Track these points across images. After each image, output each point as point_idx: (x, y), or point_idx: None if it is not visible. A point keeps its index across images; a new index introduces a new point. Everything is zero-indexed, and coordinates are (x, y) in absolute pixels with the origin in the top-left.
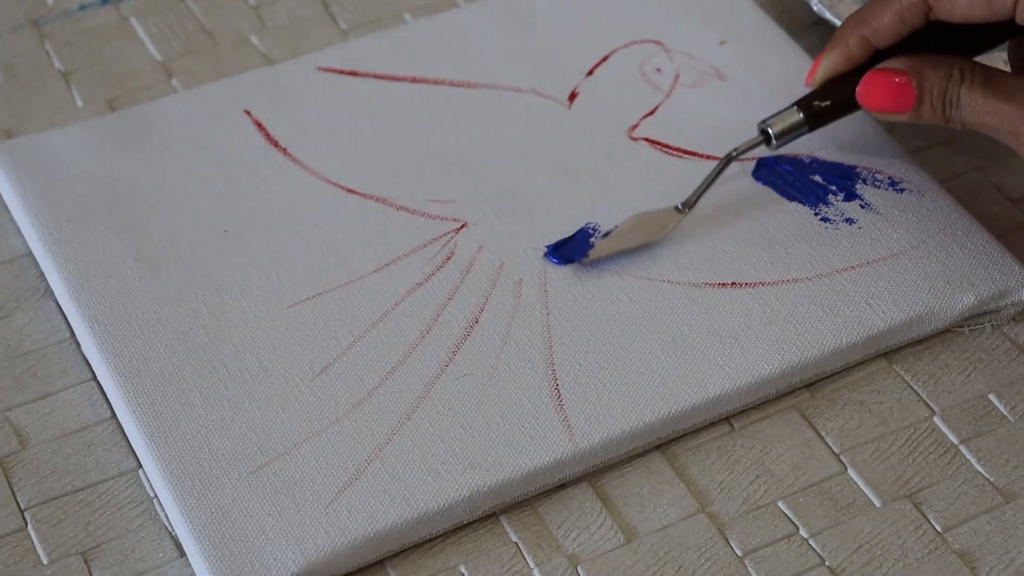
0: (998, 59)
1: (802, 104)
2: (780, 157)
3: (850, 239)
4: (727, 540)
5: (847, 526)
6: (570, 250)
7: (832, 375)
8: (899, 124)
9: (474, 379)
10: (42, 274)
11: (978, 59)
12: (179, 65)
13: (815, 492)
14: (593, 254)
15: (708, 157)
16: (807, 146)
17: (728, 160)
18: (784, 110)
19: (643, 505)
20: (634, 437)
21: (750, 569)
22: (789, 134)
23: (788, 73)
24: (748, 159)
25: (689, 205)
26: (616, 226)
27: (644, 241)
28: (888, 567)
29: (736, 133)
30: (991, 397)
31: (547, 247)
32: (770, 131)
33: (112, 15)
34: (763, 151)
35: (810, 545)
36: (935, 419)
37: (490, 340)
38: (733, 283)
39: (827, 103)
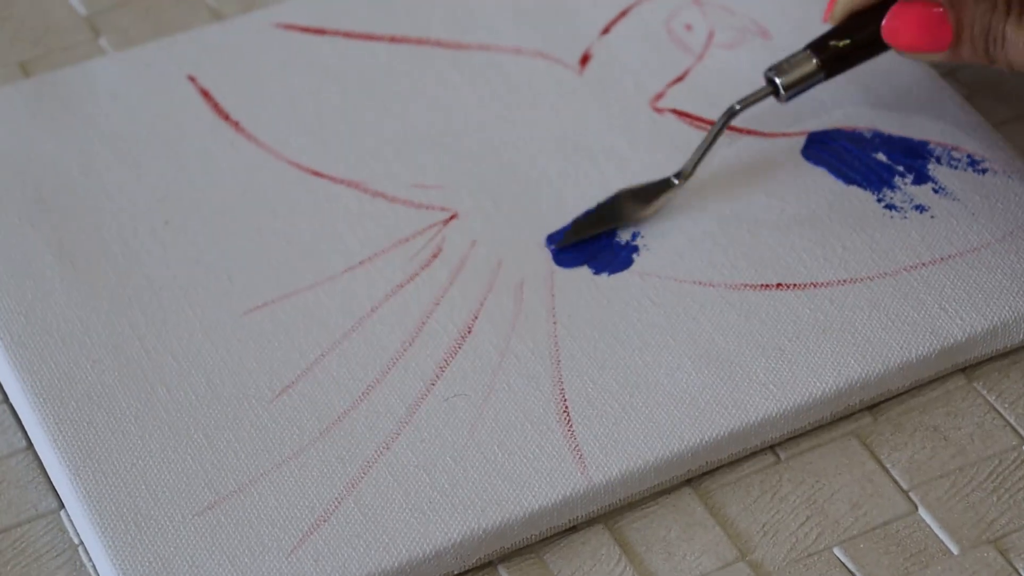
0: None
1: (816, 46)
2: (836, 132)
3: (921, 230)
4: None
5: None
6: (554, 235)
7: (899, 395)
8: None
9: (467, 400)
10: None
11: None
12: (108, 21)
13: (878, 536)
14: (567, 236)
15: (749, 132)
16: (868, 117)
17: (731, 115)
18: (795, 54)
19: (670, 552)
20: (659, 470)
21: None
22: (801, 84)
23: None
24: (798, 133)
25: (685, 176)
26: (598, 203)
27: (638, 217)
28: None
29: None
30: None
31: (553, 243)
32: (777, 80)
33: None
34: (816, 121)
35: None
36: None
37: (486, 353)
38: (779, 284)
39: (846, 42)
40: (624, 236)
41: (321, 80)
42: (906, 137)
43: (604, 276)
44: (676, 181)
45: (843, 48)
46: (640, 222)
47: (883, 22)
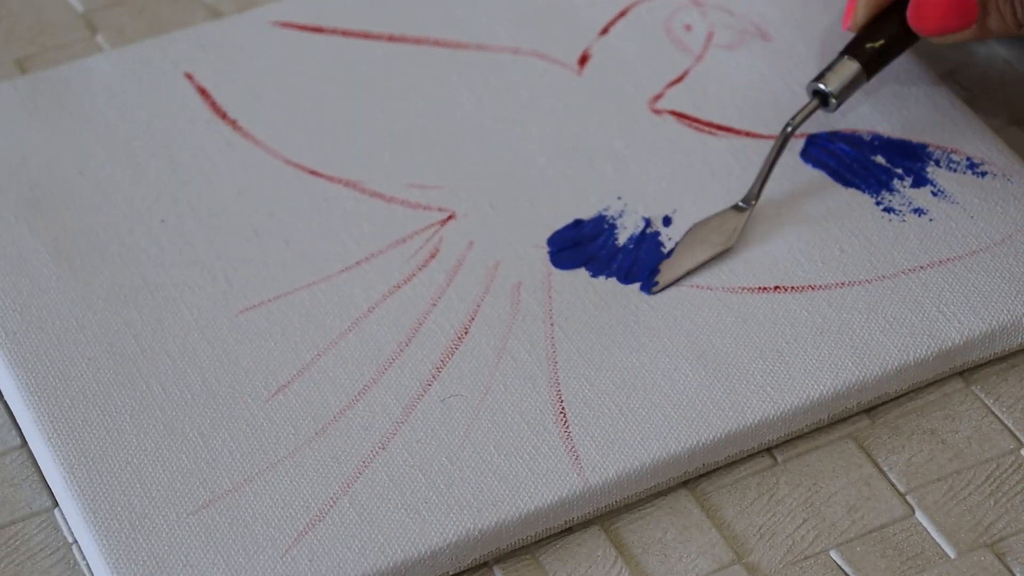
0: None
1: (853, 51)
2: (834, 134)
3: (919, 233)
4: None
5: None
6: (635, 271)
7: (897, 398)
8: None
9: (463, 401)
10: None
11: None
12: (105, 18)
13: (875, 540)
14: (663, 280)
15: (747, 134)
16: (867, 120)
17: (786, 137)
18: (834, 63)
19: (666, 553)
20: (655, 472)
21: None
22: (849, 89)
23: (844, 34)
24: (797, 136)
25: (752, 199)
26: (675, 244)
27: (719, 250)
28: None
29: (782, 104)
30: None
31: (552, 245)
32: (825, 89)
33: None
34: (815, 123)
35: None
36: (1023, 452)
37: (482, 354)
38: (776, 287)
39: (880, 42)
40: (623, 237)
41: (319, 79)
42: (905, 140)
43: (602, 278)
44: (744, 206)
45: (880, 48)
46: (727, 253)
47: (908, 11)
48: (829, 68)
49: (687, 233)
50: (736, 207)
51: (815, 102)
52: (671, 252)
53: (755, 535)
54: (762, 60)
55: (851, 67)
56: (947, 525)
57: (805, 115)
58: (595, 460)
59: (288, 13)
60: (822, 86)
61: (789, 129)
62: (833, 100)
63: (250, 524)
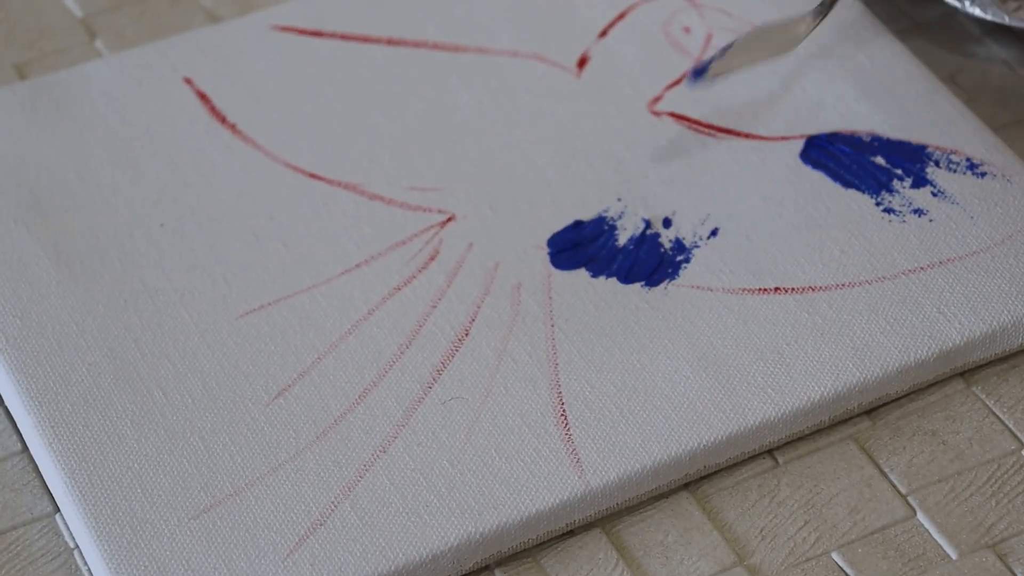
0: None
1: None
2: (834, 135)
3: (919, 234)
4: None
5: None
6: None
7: (898, 399)
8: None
9: (464, 403)
10: None
11: None
12: (104, 23)
13: (877, 541)
14: (714, 70)
15: (747, 136)
16: (867, 122)
17: None
18: None
19: (668, 556)
20: (657, 474)
21: None
22: None
23: (843, 32)
24: (796, 137)
25: (821, 16)
26: (734, 40)
27: (776, 52)
28: None
29: (781, 106)
30: None
31: (552, 246)
32: None
33: None
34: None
35: None
36: None
37: (483, 356)
38: (777, 288)
39: None
40: (623, 238)
41: (318, 82)
42: (905, 141)
43: (602, 279)
44: (820, 10)
45: None
46: (783, 58)
47: None
48: None
49: (747, 32)
50: (812, 13)
51: None
52: (728, 47)
53: (756, 537)
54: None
55: None
56: (949, 526)
57: None
58: (596, 462)
59: (287, 17)
60: None
61: None
62: None
63: (251, 528)
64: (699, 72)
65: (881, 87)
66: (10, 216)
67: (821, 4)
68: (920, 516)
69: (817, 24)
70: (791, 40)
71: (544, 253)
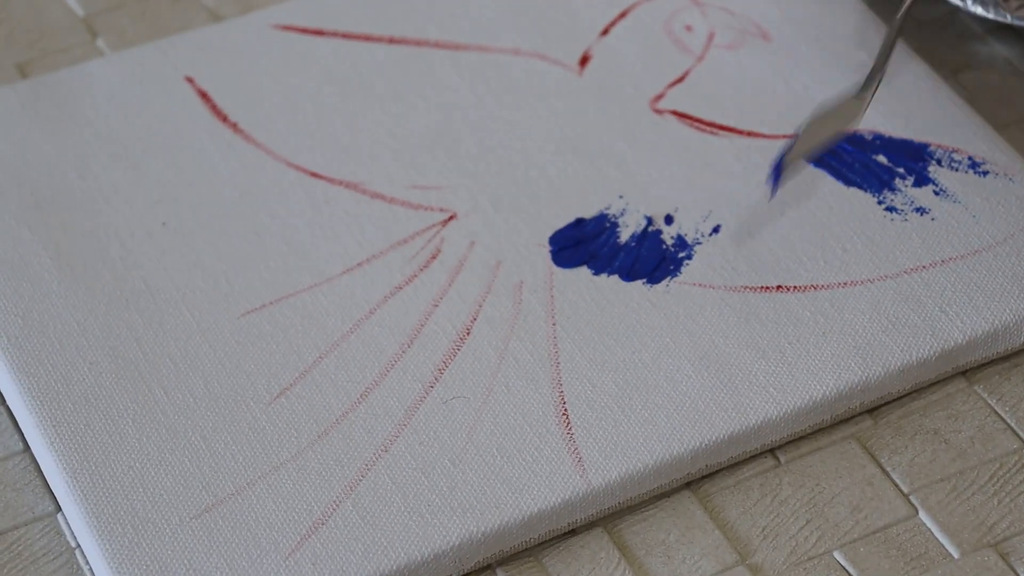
0: None
1: None
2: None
3: (922, 233)
4: None
5: None
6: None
7: (900, 398)
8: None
9: (465, 403)
10: None
11: None
12: (105, 22)
13: (879, 540)
14: (791, 157)
15: (748, 134)
16: (869, 120)
17: (899, 27)
18: None
19: (670, 555)
20: (659, 473)
21: None
22: None
23: (844, 31)
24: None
25: (873, 88)
26: (798, 129)
27: (840, 127)
28: None
29: (783, 104)
30: None
31: (553, 244)
32: None
33: None
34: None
35: None
36: None
37: (484, 355)
38: (779, 287)
39: None
40: (625, 236)
41: (319, 81)
42: (907, 139)
43: (604, 276)
44: (861, 95)
45: None
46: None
47: None
48: None
49: (807, 119)
50: (855, 95)
51: None
52: (794, 138)
53: (758, 536)
54: (763, 60)
55: None
56: (951, 525)
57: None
58: (598, 462)
59: (289, 16)
60: None
61: (899, 17)
62: None
63: (253, 528)
64: (777, 173)
65: (883, 86)
66: (11, 215)
67: (872, 71)
68: (922, 515)
69: (874, 93)
70: (851, 115)
71: (546, 251)
